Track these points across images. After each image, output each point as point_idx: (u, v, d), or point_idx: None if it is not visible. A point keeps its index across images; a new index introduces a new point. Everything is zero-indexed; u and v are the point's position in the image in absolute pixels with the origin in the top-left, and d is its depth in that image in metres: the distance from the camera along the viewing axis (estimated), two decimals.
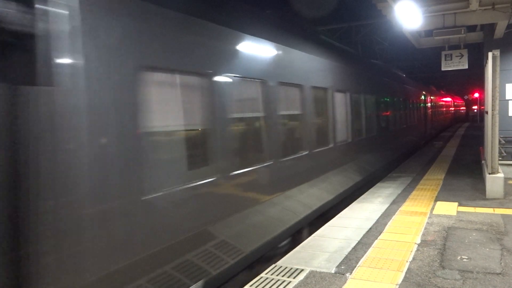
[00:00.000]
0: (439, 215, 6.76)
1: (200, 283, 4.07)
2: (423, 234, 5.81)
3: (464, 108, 60.30)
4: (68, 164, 2.94)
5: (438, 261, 4.82)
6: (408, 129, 16.95)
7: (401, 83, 16.48)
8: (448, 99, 40.45)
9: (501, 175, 7.91)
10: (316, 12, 12.87)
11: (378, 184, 9.70)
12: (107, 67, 3.25)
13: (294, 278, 4.46)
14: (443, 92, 37.69)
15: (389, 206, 7.49)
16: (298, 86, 6.71)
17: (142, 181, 3.55)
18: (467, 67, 11.55)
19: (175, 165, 4.05)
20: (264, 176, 5.52)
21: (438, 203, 7.61)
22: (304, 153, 6.88)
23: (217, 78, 4.61)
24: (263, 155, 5.58)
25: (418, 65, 29.41)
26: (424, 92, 22.23)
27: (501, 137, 9.08)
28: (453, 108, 45.64)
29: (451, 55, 11.52)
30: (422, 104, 21.09)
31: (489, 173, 7.96)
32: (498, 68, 7.64)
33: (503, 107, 9.73)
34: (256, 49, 5.52)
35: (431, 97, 25.45)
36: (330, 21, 14.73)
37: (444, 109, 35.52)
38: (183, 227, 4.05)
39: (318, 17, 13.82)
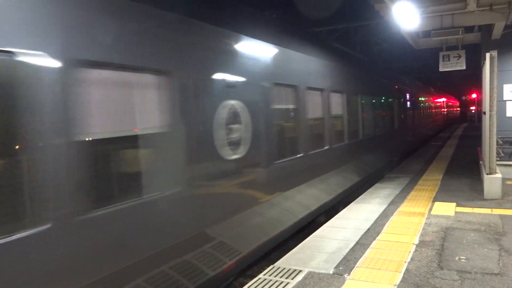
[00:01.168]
0: (437, 216, 6.77)
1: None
2: (421, 235, 5.82)
3: (459, 109, 57.56)
4: None
5: (436, 261, 4.82)
6: (357, 148, 10.57)
7: (351, 69, 10.43)
8: (442, 99, 34.37)
9: (499, 175, 7.93)
10: (315, 13, 12.87)
11: (377, 185, 9.71)
12: None
13: (292, 279, 4.46)
14: (433, 90, 30.82)
15: (387, 207, 7.49)
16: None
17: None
18: (464, 68, 11.58)
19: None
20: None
21: (436, 203, 7.61)
22: None
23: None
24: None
25: (417, 66, 29.43)
26: (397, 87, 15.41)
27: (499, 137, 9.10)
28: (446, 110, 38.34)
29: (448, 55, 11.54)
30: (394, 106, 14.59)
31: (487, 174, 7.97)
32: (495, 69, 7.66)
33: (501, 107, 9.75)
34: None
35: (415, 95, 18.95)
36: (328, 22, 14.74)
37: (434, 110, 27.85)
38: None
39: (317, 18, 13.82)
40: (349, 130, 9.78)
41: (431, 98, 26.66)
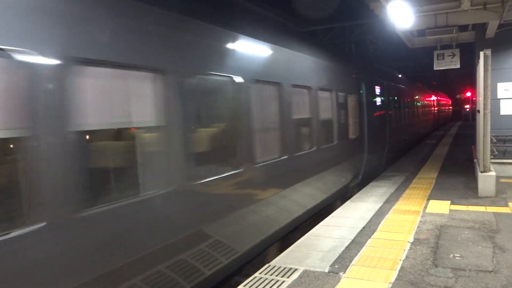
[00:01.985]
0: (432, 214, 6.80)
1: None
2: (416, 233, 5.84)
3: (451, 107, 56.46)
4: None
5: (431, 259, 4.84)
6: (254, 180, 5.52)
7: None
8: (432, 97, 29.60)
9: (493, 173, 7.97)
10: (311, 12, 12.87)
11: (372, 183, 9.74)
12: None
13: (288, 277, 4.47)
14: (420, 85, 26.17)
15: (382, 205, 7.51)
16: None
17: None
18: (459, 66, 11.65)
19: None
20: None
21: (431, 201, 7.65)
22: None
23: None
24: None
25: (411, 65, 29.62)
26: (357, 76, 10.48)
27: (492, 135, 9.16)
28: (436, 108, 32.57)
29: (443, 54, 11.59)
30: (348, 104, 9.62)
31: (481, 172, 8.01)
32: (489, 68, 7.70)
33: (495, 106, 9.81)
34: None
35: (391, 90, 14.19)
36: (323, 21, 14.76)
37: (421, 110, 22.68)
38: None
39: (313, 18, 13.82)
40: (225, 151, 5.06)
41: (417, 95, 21.41)
